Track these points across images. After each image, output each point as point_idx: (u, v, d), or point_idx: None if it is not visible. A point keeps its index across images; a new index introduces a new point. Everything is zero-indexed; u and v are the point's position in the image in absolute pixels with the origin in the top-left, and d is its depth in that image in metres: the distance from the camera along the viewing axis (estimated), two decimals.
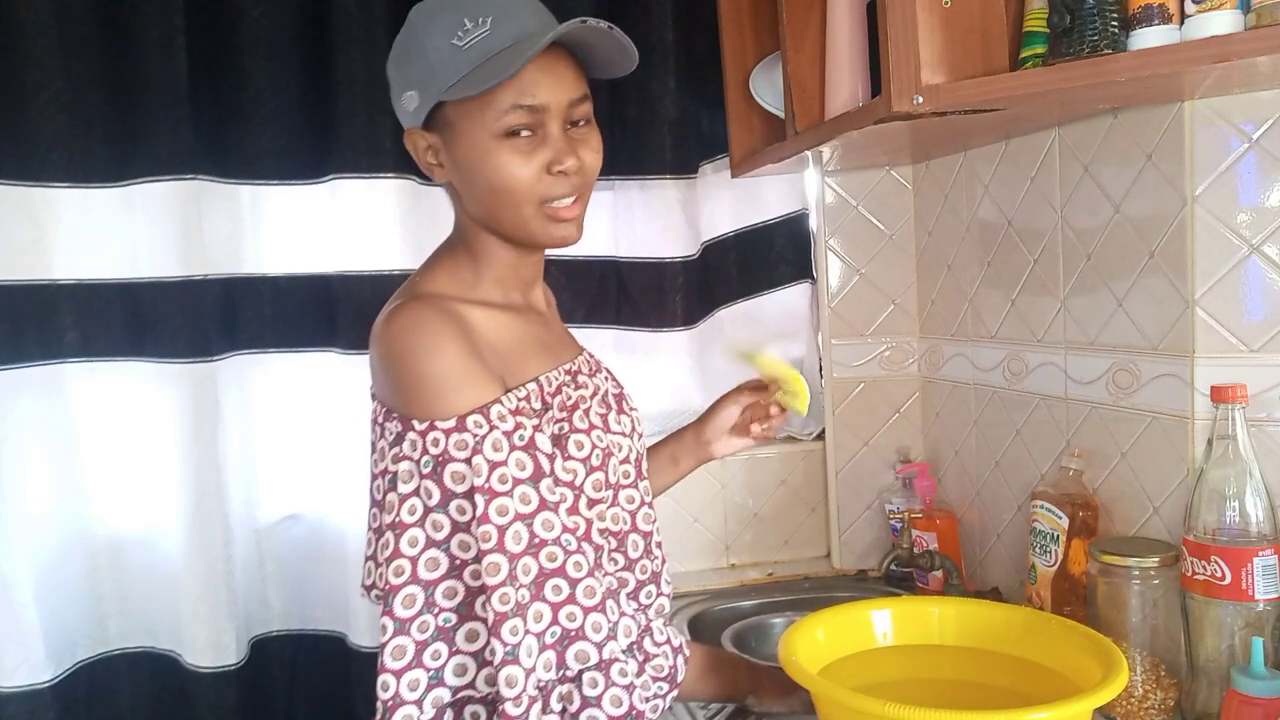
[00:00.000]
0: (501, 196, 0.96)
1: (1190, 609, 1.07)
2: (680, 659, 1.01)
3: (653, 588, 1.10)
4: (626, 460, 1.07)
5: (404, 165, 1.65)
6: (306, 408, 1.67)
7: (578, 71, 0.99)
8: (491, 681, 0.89)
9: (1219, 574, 1.03)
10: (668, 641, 1.01)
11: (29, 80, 1.50)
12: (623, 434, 1.08)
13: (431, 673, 0.92)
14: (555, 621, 0.91)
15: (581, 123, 0.99)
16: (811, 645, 1.03)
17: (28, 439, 1.54)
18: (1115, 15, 1.00)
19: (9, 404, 1.52)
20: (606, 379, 1.15)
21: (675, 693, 1.01)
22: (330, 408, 1.65)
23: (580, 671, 0.92)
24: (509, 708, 0.88)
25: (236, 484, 1.64)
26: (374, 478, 1.00)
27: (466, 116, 0.95)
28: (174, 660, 1.63)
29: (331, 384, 1.65)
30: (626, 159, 1.78)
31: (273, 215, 1.64)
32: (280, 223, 1.65)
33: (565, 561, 0.92)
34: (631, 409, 1.15)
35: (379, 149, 1.63)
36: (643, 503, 1.09)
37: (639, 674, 0.96)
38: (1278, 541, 1.03)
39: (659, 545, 1.13)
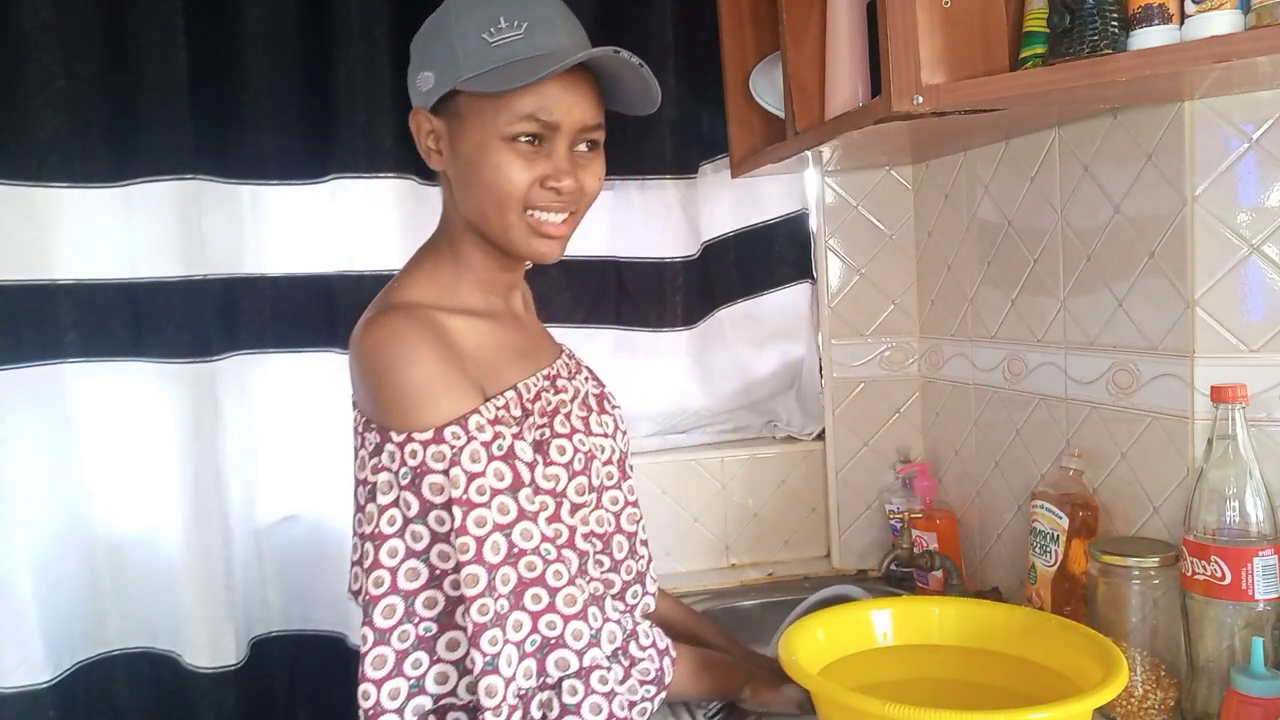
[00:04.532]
0: (492, 196, 0.96)
1: (1190, 609, 1.07)
2: (667, 661, 1.01)
3: (638, 588, 1.10)
4: (609, 461, 1.07)
5: (404, 165, 1.65)
6: (306, 408, 1.67)
7: (598, 98, 0.99)
8: (473, 689, 0.89)
9: (1219, 574, 1.03)
10: (653, 644, 1.01)
11: (29, 80, 1.50)
12: (604, 435, 1.08)
13: (412, 681, 0.92)
14: (535, 630, 0.91)
15: (587, 147, 0.99)
16: (811, 645, 1.04)
17: (27, 439, 1.54)
18: (1115, 15, 1.00)
19: (9, 404, 1.52)
20: (587, 379, 1.14)
21: (663, 695, 1.00)
22: (330, 408, 1.64)
23: (560, 679, 0.92)
24: (489, 717, 0.88)
25: (236, 484, 1.64)
26: (357, 484, 1.00)
27: (478, 112, 0.95)
28: (173, 660, 1.63)
29: (331, 384, 1.65)
30: (626, 159, 1.78)
31: (273, 215, 1.64)
32: (280, 223, 1.64)
33: (545, 570, 0.92)
34: (614, 407, 1.14)
35: (379, 149, 1.63)
36: (627, 503, 1.08)
37: (623, 680, 0.95)
38: (1278, 541, 1.03)
39: (644, 544, 1.12)
